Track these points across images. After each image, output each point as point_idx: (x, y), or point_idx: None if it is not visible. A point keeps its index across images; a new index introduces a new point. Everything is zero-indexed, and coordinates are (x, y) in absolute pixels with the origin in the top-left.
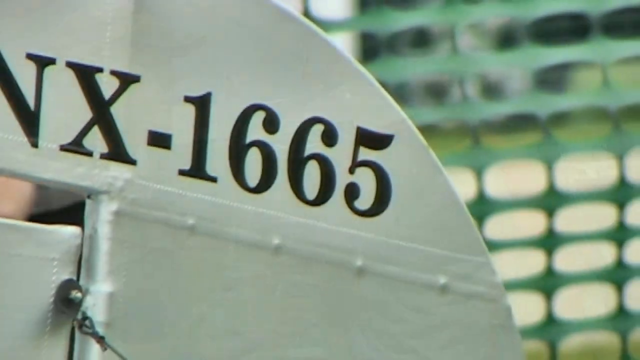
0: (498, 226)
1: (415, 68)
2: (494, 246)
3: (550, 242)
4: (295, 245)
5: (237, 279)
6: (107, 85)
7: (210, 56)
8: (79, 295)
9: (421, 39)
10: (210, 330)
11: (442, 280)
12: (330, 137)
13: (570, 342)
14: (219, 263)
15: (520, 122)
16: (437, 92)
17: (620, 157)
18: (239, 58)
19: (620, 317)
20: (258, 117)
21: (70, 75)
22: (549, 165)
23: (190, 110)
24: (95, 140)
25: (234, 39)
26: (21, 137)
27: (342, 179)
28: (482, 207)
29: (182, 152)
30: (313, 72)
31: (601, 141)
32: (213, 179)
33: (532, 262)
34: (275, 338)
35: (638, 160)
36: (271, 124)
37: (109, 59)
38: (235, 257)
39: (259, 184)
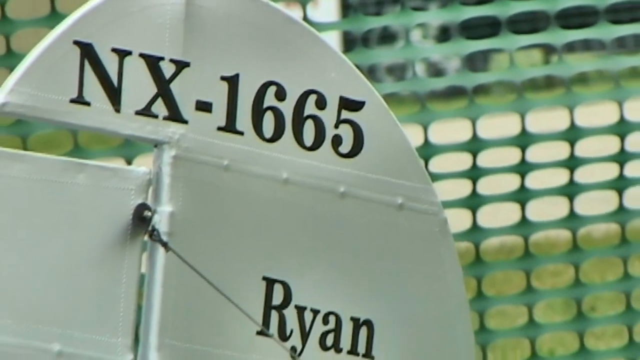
0: (438, 164)
1: (381, 56)
2: (434, 177)
3: (474, 174)
4: (298, 178)
5: (259, 202)
6: (167, 69)
7: (237, 48)
8: (149, 214)
9: (385, 36)
10: (241, 236)
11: (399, 200)
12: (321, 103)
13: (490, 243)
14: (245, 191)
15: (454, 92)
16: (396, 72)
17: (522, 116)
18: (257, 49)
19: (524, 224)
20: (271, 90)
21: (142, 63)
22: (473, 122)
23: (225, 86)
24: (160, 107)
25: (254, 35)
26: (109, 106)
27: (329, 132)
28: (427, 150)
29: (219, 114)
30: (309, 60)
31: (508, 105)
32: (240, 133)
33: (461, 189)
34: (289, 245)
35: (536, 117)
36: (280, 94)
37: (168, 51)
38: (256, 187)
39: (272, 136)
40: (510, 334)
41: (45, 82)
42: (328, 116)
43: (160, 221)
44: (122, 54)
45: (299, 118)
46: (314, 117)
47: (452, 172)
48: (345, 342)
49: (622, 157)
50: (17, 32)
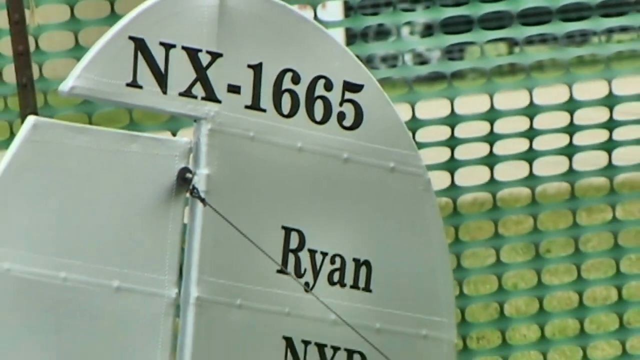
0: (423, 135)
1: (376, 48)
2: (420, 146)
3: (452, 143)
4: (310, 146)
5: (278, 166)
6: (204, 59)
7: (260, 41)
8: (190, 175)
9: (380, 32)
10: (264, 193)
11: (392, 164)
12: (328, 86)
13: (465, 198)
14: (267, 157)
15: (436, 77)
16: (388, 60)
17: (491, 97)
18: (276, 42)
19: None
20: (288, 76)
21: (184, 54)
22: (452, 101)
23: (250, 72)
24: (198, 89)
25: (274, 32)
26: (157, 89)
27: (335, 109)
28: (414, 124)
29: (246, 95)
30: (318, 51)
31: (479, 88)
32: (264, 110)
33: (441, 155)
34: (303, 201)
35: (502, 97)
36: (295, 79)
37: (205, 44)
38: (276, 154)
39: (289, 113)
40: (481, 272)
41: (106, 69)
42: (334, 96)
43: (199, 181)
44: (168, 47)
45: (310, 98)
46: (322, 97)
47: (434, 141)
48: (349, 278)
49: (571, 129)
50: (84, 29)
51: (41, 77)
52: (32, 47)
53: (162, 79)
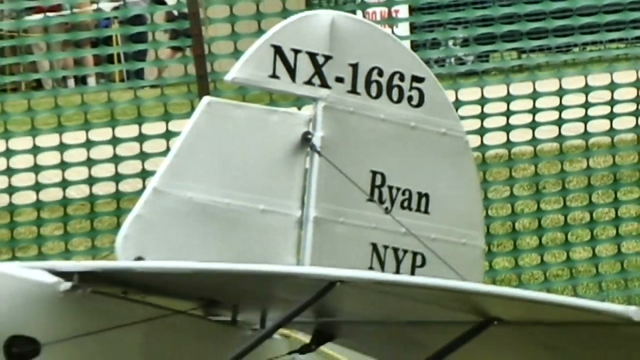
0: (463, 111)
1: (432, 54)
2: (461, 118)
3: (481, 117)
4: (389, 117)
5: (369, 130)
6: (320, 59)
7: (357, 47)
8: (310, 136)
9: (434, 43)
10: (360, 148)
11: (443, 130)
12: (402, 78)
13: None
14: (362, 125)
15: (471, 74)
16: (439, 62)
17: (507, 86)
18: (367, 48)
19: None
20: (375, 71)
21: (306, 56)
22: (482, 89)
23: (350, 68)
24: (316, 80)
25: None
26: (289, 79)
27: (406, 93)
28: (457, 104)
29: (347, 84)
30: (395, 55)
31: (499, 81)
32: (359, 93)
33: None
34: (384, 152)
35: (516, 87)
36: (380, 73)
37: (321, 50)
38: (367, 123)
39: (376, 95)
40: (500, 201)
41: (256, 65)
42: (405, 85)
43: (316, 140)
44: (296, 51)
45: (390, 86)
46: (398, 86)
47: (470, 115)
48: (414, 205)
49: (561, 108)
50: (241, 39)
51: (212, 71)
52: (206, 51)
53: (292, 73)
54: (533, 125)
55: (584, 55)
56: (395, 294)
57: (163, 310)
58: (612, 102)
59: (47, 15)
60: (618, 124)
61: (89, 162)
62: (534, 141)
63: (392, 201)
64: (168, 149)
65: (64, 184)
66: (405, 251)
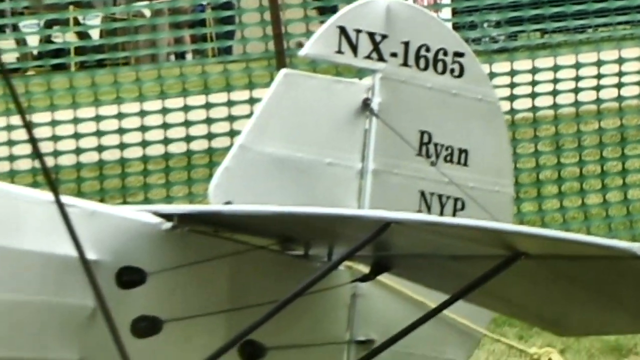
0: (497, 81)
1: (470, 34)
2: (495, 87)
3: (511, 85)
4: (434, 86)
5: (418, 97)
6: (378, 38)
7: (408, 28)
8: (369, 102)
9: (472, 25)
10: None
11: (480, 96)
12: (445, 53)
13: (518, 116)
14: (411, 92)
15: (502, 50)
16: (477, 41)
17: (533, 61)
18: (417, 28)
19: (532, 109)
20: (424, 47)
21: (367, 35)
22: (512, 63)
23: (403, 45)
24: (374, 54)
25: (416, 23)
26: (351, 54)
27: (449, 66)
28: (492, 75)
29: (400, 58)
30: (440, 34)
31: (527, 56)
32: (410, 66)
33: (504, 92)
34: (430, 114)
35: (541, 61)
36: (427, 49)
37: (378, 30)
38: (417, 91)
39: (424, 67)
40: (527, 156)
41: (325, 43)
42: (448, 59)
43: (374, 105)
44: (358, 31)
45: (435, 59)
46: (442, 60)
47: (503, 84)
48: (455, 158)
49: (577, 78)
50: (312, 21)
51: (288, 48)
52: (283, 31)
53: (354, 49)
54: (554, 93)
55: (596, 35)
56: (440, 233)
57: (247, 246)
58: (620, 74)
59: (152, 1)
60: (625, 91)
61: (187, 124)
62: (554, 106)
63: (437, 156)
64: (251, 113)
65: (166, 141)
66: (448, 197)
